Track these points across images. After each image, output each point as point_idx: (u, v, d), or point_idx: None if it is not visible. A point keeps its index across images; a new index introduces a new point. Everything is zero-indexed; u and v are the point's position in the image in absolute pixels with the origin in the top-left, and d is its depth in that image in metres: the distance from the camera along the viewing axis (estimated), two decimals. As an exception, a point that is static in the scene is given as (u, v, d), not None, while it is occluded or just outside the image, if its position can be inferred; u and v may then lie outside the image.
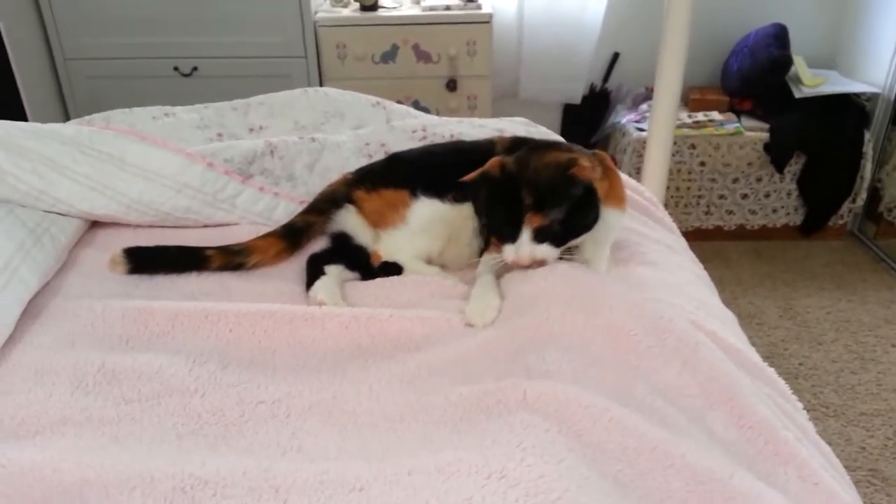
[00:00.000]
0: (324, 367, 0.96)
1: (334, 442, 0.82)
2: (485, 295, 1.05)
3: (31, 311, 1.04)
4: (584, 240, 1.09)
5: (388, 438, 0.82)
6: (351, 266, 1.19)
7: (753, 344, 1.08)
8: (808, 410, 0.98)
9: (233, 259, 1.18)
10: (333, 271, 1.15)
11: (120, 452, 0.79)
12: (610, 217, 1.11)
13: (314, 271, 1.15)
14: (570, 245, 1.07)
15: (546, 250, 1.02)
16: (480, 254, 1.20)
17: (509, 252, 1.04)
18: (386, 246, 1.19)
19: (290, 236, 1.23)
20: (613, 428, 0.79)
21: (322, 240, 1.27)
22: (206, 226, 1.32)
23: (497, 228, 1.06)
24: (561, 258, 1.06)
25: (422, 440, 0.81)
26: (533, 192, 1.00)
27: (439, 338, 0.99)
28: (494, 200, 1.05)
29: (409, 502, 0.69)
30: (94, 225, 1.31)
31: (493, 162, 1.06)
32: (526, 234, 1.02)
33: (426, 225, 1.19)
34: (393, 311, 1.03)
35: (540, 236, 1.02)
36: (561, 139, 1.45)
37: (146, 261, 1.16)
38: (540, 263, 1.04)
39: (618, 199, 1.15)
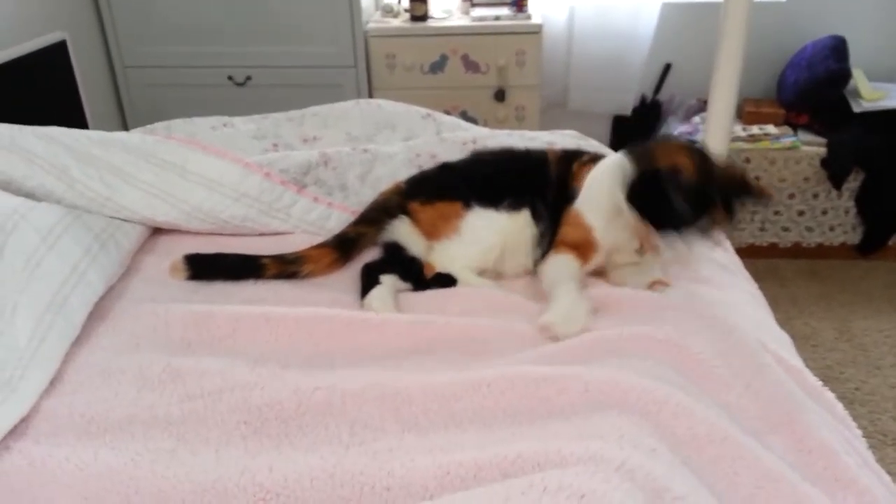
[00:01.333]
0: (380, 364, 0.97)
1: (394, 432, 0.82)
2: (575, 304, 1.04)
3: (96, 313, 1.08)
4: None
5: (448, 427, 0.82)
6: (404, 276, 1.20)
7: (808, 367, 1.06)
8: (864, 438, 0.95)
9: (287, 268, 1.20)
10: (388, 281, 1.16)
11: (191, 458, 0.81)
12: None
13: (369, 280, 1.16)
14: None
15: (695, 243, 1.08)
16: (537, 263, 1.20)
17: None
18: (439, 257, 1.20)
19: (343, 246, 1.25)
20: (681, 413, 0.79)
21: (374, 249, 1.29)
22: (262, 234, 1.35)
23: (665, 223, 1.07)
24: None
25: (481, 428, 0.81)
26: (713, 202, 1.05)
27: (497, 344, 0.99)
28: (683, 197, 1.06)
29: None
30: (156, 232, 1.35)
31: (681, 161, 1.06)
32: (695, 232, 1.06)
33: (480, 236, 1.19)
34: (449, 319, 1.04)
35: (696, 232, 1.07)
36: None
37: (205, 268, 1.20)
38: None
39: None
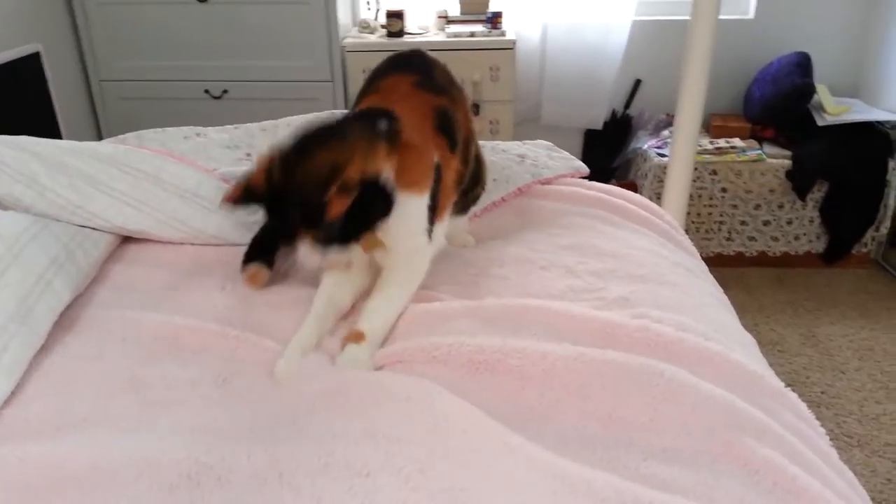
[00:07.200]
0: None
1: (340, 422, 0.81)
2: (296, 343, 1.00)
3: (61, 322, 1.07)
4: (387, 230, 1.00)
5: (397, 418, 0.81)
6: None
7: (775, 372, 1.07)
8: (831, 440, 0.97)
9: None
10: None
11: (132, 442, 0.80)
12: (406, 203, 1.00)
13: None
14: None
15: (335, 254, 0.96)
16: None
17: (300, 255, 0.96)
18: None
19: None
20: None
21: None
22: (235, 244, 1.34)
23: (279, 239, 1.02)
24: None
25: (432, 427, 0.80)
26: (298, 211, 0.92)
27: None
28: (267, 214, 0.98)
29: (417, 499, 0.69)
30: (125, 241, 1.34)
31: (257, 171, 0.95)
32: (304, 246, 0.94)
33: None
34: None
35: (321, 243, 0.94)
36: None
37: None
38: (338, 261, 0.99)
39: (411, 182, 1.01)
